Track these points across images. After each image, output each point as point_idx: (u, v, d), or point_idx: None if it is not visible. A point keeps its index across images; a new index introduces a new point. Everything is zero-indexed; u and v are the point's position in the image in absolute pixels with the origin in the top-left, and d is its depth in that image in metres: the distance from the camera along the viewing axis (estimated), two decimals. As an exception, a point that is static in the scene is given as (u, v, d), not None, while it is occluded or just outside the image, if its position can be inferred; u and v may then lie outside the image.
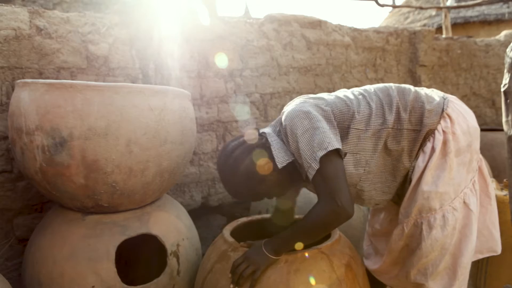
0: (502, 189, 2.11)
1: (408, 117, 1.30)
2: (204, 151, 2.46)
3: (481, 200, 1.41)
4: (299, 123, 1.24)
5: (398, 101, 1.32)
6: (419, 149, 1.31)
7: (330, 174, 1.18)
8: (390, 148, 1.31)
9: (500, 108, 4.44)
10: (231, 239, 1.42)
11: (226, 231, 1.50)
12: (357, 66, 3.32)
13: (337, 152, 1.20)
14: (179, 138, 1.53)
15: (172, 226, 1.60)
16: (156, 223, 1.54)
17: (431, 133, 1.29)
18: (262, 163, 1.29)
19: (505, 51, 3.17)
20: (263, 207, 2.15)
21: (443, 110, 1.30)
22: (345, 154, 1.29)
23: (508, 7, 8.42)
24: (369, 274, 1.61)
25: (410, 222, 1.33)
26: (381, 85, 1.41)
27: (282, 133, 1.33)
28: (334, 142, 1.19)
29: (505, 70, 1.36)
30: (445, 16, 5.48)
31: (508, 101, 1.35)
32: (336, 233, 1.45)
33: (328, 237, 1.46)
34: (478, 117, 4.48)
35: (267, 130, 1.41)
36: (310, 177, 1.20)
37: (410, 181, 1.33)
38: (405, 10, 9.80)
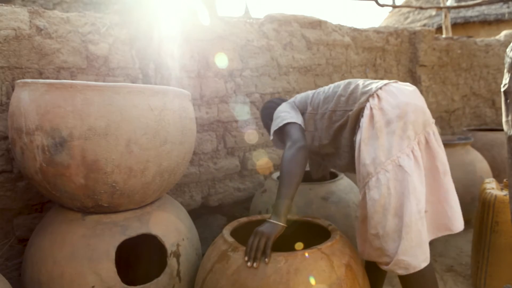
0: (502, 189, 2.11)
1: (346, 100, 1.62)
2: (204, 151, 2.46)
3: (432, 175, 1.51)
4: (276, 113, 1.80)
5: (341, 90, 1.66)
6: (356, 125, 1.56)
7: (286, 129, 1.64)
8: (333, 126, 1.65)
9: (500, 108, 4.44)
10: (231, 239, 1.42)
11: (226, 231, 1.50)
12: (357, 66, 3.32)
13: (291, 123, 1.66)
14: (179, 138, 1.53)
15: (172, 226, 1.60)
16: (156, 223, 1.55)
17: (361, 110, 1.54)
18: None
19: (505, 51, 3.17)
20: (263, 207, 2.15)
21: (374, 92, 1.53)
22: (304, 131, 1.70)
23: (508, 7, 8.43)
24: (369, 274, 1.62)
25: (362, 191, 1.51)
26: (347, 81, 1.72)
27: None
28: (292, 118, 1.67)
29: (505, 70, 1.37)
30: (445, 16, 5.49)
31: (508, 101, 1.36)
32: (336, 233, 1.46)
33: (328, 237, 1.46)
34: (478, 117, 4.48)
35: (291, 101, 1.91)
36: (272, 132, 1.72)
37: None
38: (405, 10, 9.81)
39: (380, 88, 1.54)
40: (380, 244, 1.45)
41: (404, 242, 1.39)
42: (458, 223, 1.52)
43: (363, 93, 1.56)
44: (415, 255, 1.39)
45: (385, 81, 1.60)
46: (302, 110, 1.79)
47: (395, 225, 1.42)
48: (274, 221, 1.37)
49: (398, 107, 1.47)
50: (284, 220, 1.38)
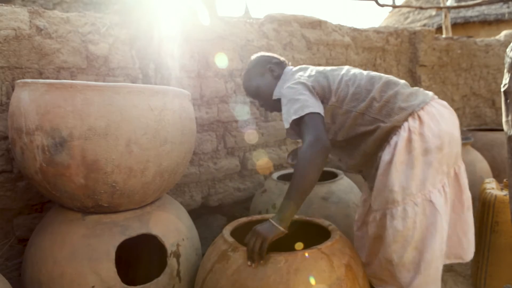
0: (502, 189, 2.11)
1: (380, 108, 1.44)
2: (204, 151, 2.46)
3: (454, 207, 1.50)
4: (285, 96, 1.49)
5: (376, 93, 1.46)
6: (386, 140, 1.44)
7: (308, 119, 1.38)
8: (356, 129, 1.50)
9: (500, 108, 4.44)
10: (231, 239, 1.42)
11: (226, 231, 1.50)
12: (357, 66, 3.32)
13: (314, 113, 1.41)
14: (179, 138, 1.53)
15: (172, 226, 1.60)
16: (156, 223, 1.54)
17: (396, 129, 1.41)
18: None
19: (505, 51, 3.17)
20: (263, 207, 2.15)
21: (414, 111, 1.40)
22: None
23: (508, 7, 8.42)
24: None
25: (380, 212, 1.46)
26: (374, 74, 1.55)
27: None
28: (313, 108, 1.40)
29: (505, 70, 1.37)
30: (445, 16, 5.49)
31: (508, 101, 1.36)
32: (336, 233, 1.46)
33: (328, 237, 1.46)
34: (478, 117, 4.48)
35: (288, 68, 1.73)
36: (286, 122, 1.44)
37: (376, 169, 1.47)
38: (405, 10, 9.81)
39: (422, 108, 1.40)
40: (393, 270, 1.43)
41: (421, 278, 1.38)
42: (470, 253, 1.55)
43: (402, 109, 1.41)
44: None
45: (426, 95, 1.47)
46: (321, 97, 1.52)
47: (412, 257, 1.39)
48: (275, 224, 1.29)
49: (439, 137, 1.38)
50: (286, 225, 1.30)
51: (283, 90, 1.53)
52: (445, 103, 1.50)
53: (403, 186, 1.37)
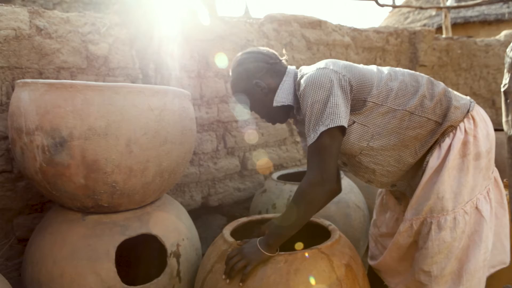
0: (502, 189, 2.11)
1: (433, 107, 1.27)
2: (204, 151, 2.46)
3: (496, 212, 1.38)
4: (312, 92, 1.23)
5: (425, 89, 1.30)
6: (435, 143, 1.29)
7: (324, 147, 1.20)
8: (404, 132, 1.28)
9: (500, 108, 4.44)
10: (231, 239, 1.42)
11: (226, 231, 1.50)
12: (357, 66, 3.32)
13: (339, 129, 1.22)
14: (179, 138, 1.53)
15: (172, 226, 1.60)
16: (156, 223, 1.54)
17: (452, 129, 1.27)
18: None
19: (505, 51, 3.17)
20: (263, 207, 2.15)
21: (468, 111, 1.28)
22: (353, 122, 1.29)
23: (508, 7, 8.43)
24: (369, 275, 1.61)
25: (419, 220, 1.31)
26: (413, 72, 1.39)
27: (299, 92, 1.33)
28: (339, 118, 1.20)
29: (505, 70, 1.37)
30: (445, 16, 5.49)
31: (508, 101, 1.36)
32: (336, 233, 1.45)
33: (328, 237, 1.46)
34: (478, 117, 4.47)
35: (290, 69, 1.44)
36: (308, 143, 1.24)
37: (421, 177, 1.30)
38: (405, 10, 9.80)
39: (474, 108, 1.30)
40: (430, 281, 1.30)
41: None
42: (509, 256, 1.45)
43: (457, 108, 1.28)
44: None
45: (468, 97, 1.37)
46: (357, 93, 1.29)
47: (452, 267, 1.28)
48: (262, 250, 1.25)
49: (488, 140, 1.29)
50: (273, 252, 1.27)
51: (307, 75, 1.29)
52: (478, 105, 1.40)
53: (455, 193, 1.26)
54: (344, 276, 1.30)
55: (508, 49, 1.37)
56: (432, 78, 1.37)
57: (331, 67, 1.28)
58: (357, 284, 1.34)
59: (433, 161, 1.27)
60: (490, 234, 1.30)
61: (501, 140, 3.51)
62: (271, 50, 1.48)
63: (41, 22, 1.84)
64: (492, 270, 1.42)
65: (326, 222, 1.59)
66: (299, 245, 1.58)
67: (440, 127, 1.27)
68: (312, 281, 1.24)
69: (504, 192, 1.43)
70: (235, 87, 1.48)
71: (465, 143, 1.26)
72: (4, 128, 1.75)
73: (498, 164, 3.69)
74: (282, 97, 1.37)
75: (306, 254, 1.29)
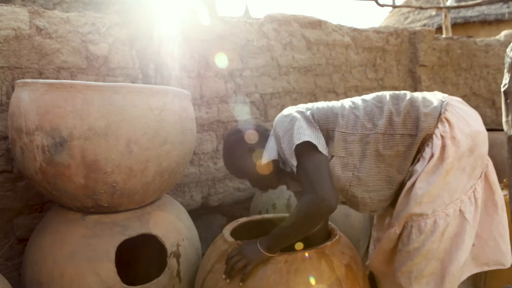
0: (502, 189, 2.11)
1: (402, 121, 1.28)
2: (204, 151, 2.46)
3: (486, 209, 1.37)
4: (279, 128, 1.31)
5: (391, 107, 1.30)
6: (417, 154, 1.28)
7: (310, 168, 1.22)
8: (383, 153, 1.29)
9: (500, 108, 4.44)
10: (231, 239, 1.42)
11: (226, 231, 1.50)
12: (357, 66, 3.32)
13: (314, 147, 1.24)
14: (179, 138, 1.53)
15: (172, 226, 1.60)
16: (156, 223, 1.54)
17: (428, 138, 1.26)
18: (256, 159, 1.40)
19: (505, 51, 3.17)
20: (263, 207, 2.15)
21: (440, 114, 1.26)
22: (332, 156, 1.32)
23: (508, 7, 8.42)
24: (369, 275, 1.61)
25: (401, 224, 1.31)
26: (375, 94, 1.40)
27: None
28: (304, 136, 1.23)
29: (505, 70, 1.37)
30: (445, 16, 5.48)
31: (508, 101, 1.35)
32: (336, 233, 1.45)
33: (328, 237, 1.46)
34: (478, 117, 4.47)
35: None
36: (296, 175, 1.26)
37: (405, 185, 1.30)
38: (405, 10, 9.80)
39: (446, 109, 1.27)
40: (410, 284, 1.30)
41: None
42: (509, 257, 1.41)
43: (427, 115, 1.26)
44: None
45: (443, 96, 1.34)
46: (324, 125, 1.33)
47: (433, 268, 1.29)
48: (263, 250, 1.27)
49: (470, 137, 1.25)
50: (273, 253, 1.29)
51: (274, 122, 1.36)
52: (459, 99, 1.36)
53: (434, 196, 1.25)
54: (344, 276, 1.30)
55: (508, 49, 1.37)
56: (396, 92, 1.37)
57: (294, 109, 1.36)
58: (357, 284, 1.34)
59: (416, 170, 1.27)
60: (473, 234, 1.30)
61: (501, 140, 3.51)
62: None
63: (41, 22, 1.84)
64: (486, 268, 1.41)
65: (326, 222, 1.58)
66: (299, 245, 1.58)
67: (416, 138, 1.27)
68: (312, 281, 1.24)
69: (498, 187, 1.39)
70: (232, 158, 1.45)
71: (443, 147, 1.24)
72: (4, 128, 1.75)
73: (498, 164, 3.68)
74: (267, 154, 1.37)
75: (306, 254, 1.29)
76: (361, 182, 1.32)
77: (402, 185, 1.32)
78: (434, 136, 1.25)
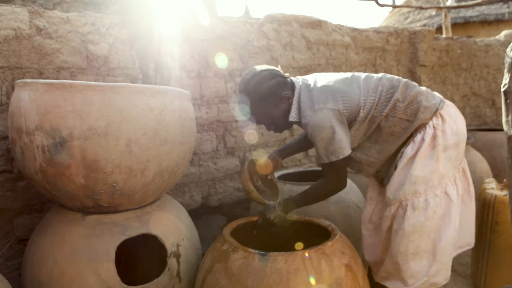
0: (502, 189, 2.11)
1: (404, 108, 1.50)
2: (204, 151, 2.46)
3: (463, 198, 1.61)
4: (317, 135, 1.46)
5: (399, 94, 1.51)
6: (409, 137, 1.52)
7: (338, 166, 1.49)
8: (382, 129, 1.53)
9: (500, 108, 4.44)
10: (231, 239, 1.42)
11: (226, 231, 1.50)
12: (357, 66, 3.32)
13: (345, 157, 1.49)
14: (179, 138, 1.53)
15: (172, 226, 1.60)
16: (156, 223, 1.55)
17: (422, 126, 1.50)
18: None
19: (505, 51, 3.17)
20: (263, 207, 2.14)
21: (437, 110, 1.50)
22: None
23: (508, 7, 8.42)
24: (369, 275, 1.62)
25: (396, 204, 1.52)
26: (392, 77, 1.59)
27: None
28: (345, 150, 1.47)
29: (505, 70, 1.37)
30: (445, 16, 5.48)
31: (508, 101, 1.36)
32: (336, 233, 1.46)
33: (328, 237, 1.46)
34: (478, 117, 4.48)
35: (297, 85, 1.58)
36: (319, 162, 1.52)
37: (396, 167, 1.53)
38: (405, 10, 9.80)
39: (442, 108, 1.52)
40: (406, 261, 1.49)
41: (438, 265, 1.49)
42: (474, 238, 1.68)
43: (426, 108, 1.49)
44: (444, 275, 1.52)
45: (437, 95, 1.58)
46: (349, 118, 1.51)
47: (426, 245, 1.49)
48: (281, 212, 1.62)
49: (457, 135, 1.51)
50: (285, 214, 1.63)
51: (309, 117, 1.47)
52: (452, 103, 1.60)
53: (426, 178, 1.46)
54: (344, 276, 1.30)
55: (508, 49, 1.37)
56: (409, 82, 1.57)
57: (327, 106, 1.46)
58: (357, 284, 1.34)
59: (408, 151, 1.50)
60: (458, 215, 1.52)
61: (501, 140, 3.51)
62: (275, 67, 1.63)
63: (41, 22, 1.84)
64: (460, 251, 1.64)
65: (326, 222, 1.59)
66: (299, 245, 1.58)
67: (412, 124, 1.50)
68: (312, 281, 1.24)
69: (471, 181, 1.65)
70: (260, 103, 1.57)
71: (434, 137, 1.48)
72: (4, 128, 1.75)
73: (498, 164, 3.69)
74: (294, 115, 1.55)
75: (306, 254, 1.29)
76: (360, 147, 1.60)
77: (387, 159, 1.57)
78: (427, 126, 1.49)
